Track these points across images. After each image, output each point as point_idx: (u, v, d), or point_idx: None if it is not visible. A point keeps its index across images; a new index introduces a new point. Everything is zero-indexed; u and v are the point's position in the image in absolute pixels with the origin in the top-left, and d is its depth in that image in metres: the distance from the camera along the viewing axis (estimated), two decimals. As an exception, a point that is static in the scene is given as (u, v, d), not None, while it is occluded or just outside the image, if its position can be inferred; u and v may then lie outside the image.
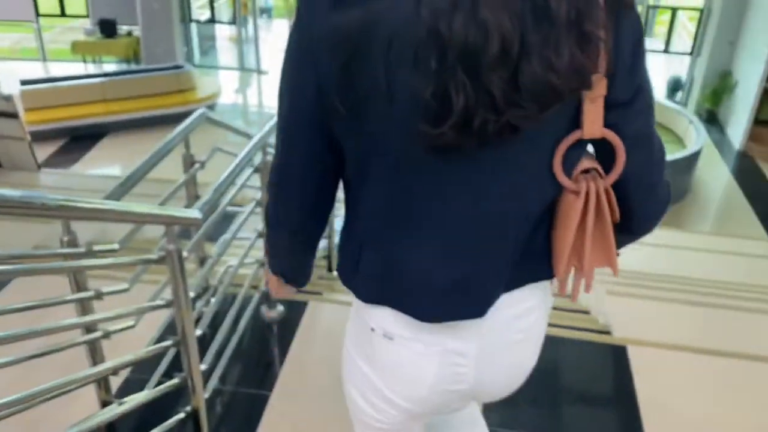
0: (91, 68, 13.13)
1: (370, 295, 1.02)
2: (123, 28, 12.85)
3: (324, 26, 0.83)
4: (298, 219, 1.03)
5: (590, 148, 0.97)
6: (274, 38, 15.40)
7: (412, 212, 0.92)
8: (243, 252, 2.91)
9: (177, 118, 10.83)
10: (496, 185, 0.89)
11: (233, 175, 2.45)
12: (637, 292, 3.13)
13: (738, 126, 10.58)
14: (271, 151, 2.51)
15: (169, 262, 1.84)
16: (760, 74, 9.84)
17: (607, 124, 0.89)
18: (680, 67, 14.51)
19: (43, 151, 9.47)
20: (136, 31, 12.65)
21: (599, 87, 0.84)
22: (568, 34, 0.76)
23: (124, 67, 12.72)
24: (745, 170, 9.82)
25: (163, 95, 10.60)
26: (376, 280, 1.00)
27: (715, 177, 9.60)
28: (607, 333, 2.72)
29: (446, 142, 0.79)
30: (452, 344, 0.99)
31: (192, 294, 2.02)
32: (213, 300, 2.71)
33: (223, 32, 15.56)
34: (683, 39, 13.86)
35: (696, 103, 11.74)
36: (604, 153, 0.93)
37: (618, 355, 2.65)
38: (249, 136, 2.98)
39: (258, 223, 2.97)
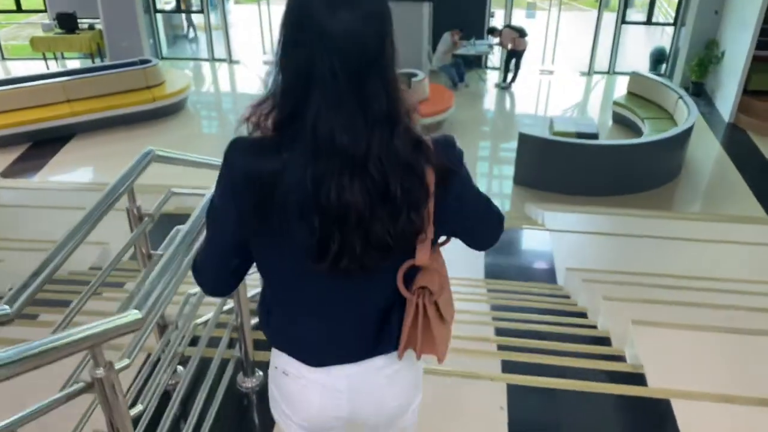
0: (54, 66, 12.50)
1: (274, 343, 1.43)
2: (84, 22, 12.21)
3: (244, 172, 1.15)
4: (213, 291, 1.41)
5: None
6: (246, 25, 14.83)
7: (300, 300, 1.32)
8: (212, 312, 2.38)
9: (147, 116, 10.59)
10: (359, 291, 1.28)
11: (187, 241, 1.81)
12: (662, 316, 2.82)
13: (727, 97, 10.32)
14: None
15: (98, 391, 1.37)
16: (748, 43, 9.56)
17: (449, 235, 1.32)
18: (662, 39, 14.25)
19: (4, 159, 8.95)
20: (98, 24, 12.03)
21: (429, 232, 1.20)
22: (402, 209, 1.13)
23: (87, 63, 12.11)
24: (736, 143, 9.58)
25: (131, 92, 10.07)
26: (277, 333, 1.41)
27: (707, 152, 9.34)
28: (641, 376, 2.35)
29: (323, 272, 1.17)
30: (328, 381, 1.38)
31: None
32: (178, 370, 2.31)
33: (192, 21, 14.97)
34: (664, 9, 13.53)
35: (682, 75, 11.46)
36: (433, 278, 1.30)
37: (662, 414, 2.22)
38: (210, 166, 2.51)
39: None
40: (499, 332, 2.93)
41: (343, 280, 1.22)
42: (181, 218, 2.24)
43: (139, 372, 2.11)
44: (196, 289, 2.31)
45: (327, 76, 1.07)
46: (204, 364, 2.27)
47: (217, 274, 1.33)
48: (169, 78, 10.86)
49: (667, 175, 8.42)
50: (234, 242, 1.25)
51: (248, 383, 2.44)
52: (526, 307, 3.49)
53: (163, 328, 2.13)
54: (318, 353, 1.37)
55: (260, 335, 2.44)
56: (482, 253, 4.81)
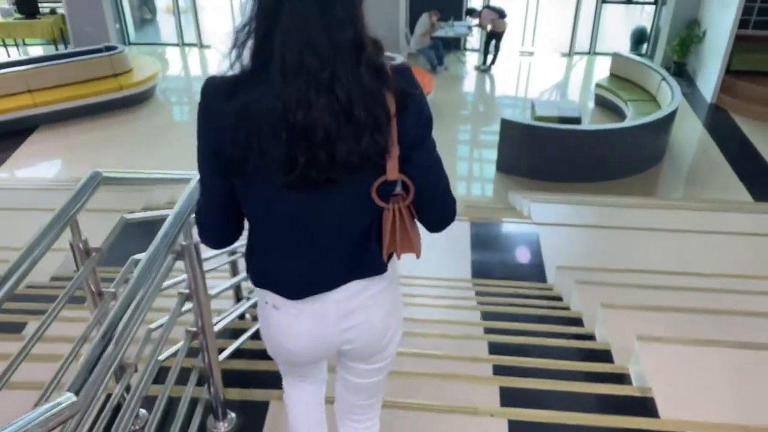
0: (14, 54, 11.96)
1: (257, 282, 1.51)
2: (46, 6, 11.67)
3: (218, 111, 1.27)
4: (215, 239, 1.49)
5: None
6: (216, 8, 14.33)
7: (277, 230, 1.40)
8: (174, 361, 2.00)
9: (114, 105, 10.15)
10: (333, 210, 1.35)
11: (141, 284, 1.54)
12: (666, 327, 2.62)
13: (709, 77, 10.18)
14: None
15: None
16: (730, 22, 9.41)
17: (404, 170, 1.35)
18: (642, 18, 14.07)
19: (-37, 154, 8.53)
20: (61, 8, 11.51)
21: (394, 150, 1.30)
22: (366, 129, 1.23)
23: (50, 51, 11.59)
24: (719, 124, 9.46)
25: (97, 81, 9.63)
26: (259, 272, 1.49)
27: (690, 134, 9.22)
28: (650, 401, 2.15)
29: (295, 184, 1.26)
30: (315, 309, 1.47)
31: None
32: (141, 414, 2.06)
33: (161, 3, 14.44)
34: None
35: (663, 55, 11.30)
36: (406, 186, 1.38)
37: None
38: (172, 181, 2.22)
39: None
40: (493, 349, 2.72)
41: (316, 203, 1.33)
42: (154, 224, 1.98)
43: (99, 416, 1.84)
44: (159, 322, 2.06)
45: (296, 3, 1.17)
46: (170, 405, 2.02)
47: (218, 220, 1.44)
48: (137, 65, 10.42)
49: (652, 159, 8.27)
50: (223, 182, 1.34)
51: (220, 428, 2.15)
52: (519, 315, 3.28)
53: (122, 369, 1.87)
54: (298, 286, 1.45)
55: (232, 369, 2.24)
56: (468, 250, 4.60)
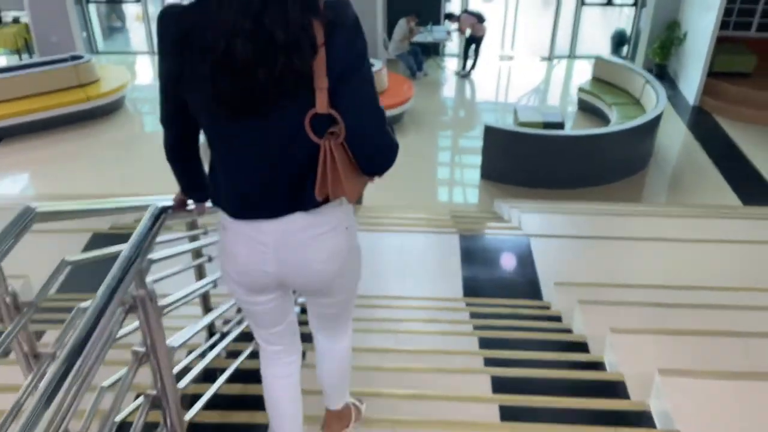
0: (-24, 64, 11.47)
1: (212, 198, 1.60)
2: (8, 15, 11.21)
3: (166, 35, 1.39)
4: (175, 150, 1.62)
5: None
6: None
7: (223, 151, 1.48)
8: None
9: (81, 117, 9.68)
10: (272, 139, 1.41)
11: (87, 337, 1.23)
12: (687, 358, 2.36)
13: (691, 80, 10.07)
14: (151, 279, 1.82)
15: None
16: (712, 23, 9.29)
17: (335, 105, 1.37)
18: (620, 21, 13.98)
19: None
20: (24, 17, 11.05)
21: (322, 81, 1.33)
22: (283, 51, 1.29)
23: (14, 61, 11.12)
24: (703, 127, 9.33)
25: (62, 92, 9.20)
26: (214, 189, 1.57)
27: (674, 137, 9.07)
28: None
29: (225, 109, 1.36)
30: (255, 235, 1.52)
31: None
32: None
33: (131, 11, 14.01)
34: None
35: (644, 57, 11.19)
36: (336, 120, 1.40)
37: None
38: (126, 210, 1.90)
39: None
40: (497, 385, 2.43)
41: (256, 130, 1.40)
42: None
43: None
44: (110, 380, 1.73)
45: None
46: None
47: (174, 140, 1.57)
48: (105, 75, 10.01)
49: (639, 164, 8.10)
50: (174, 99, 1.45)
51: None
52: (520, 341, 3.00)
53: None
54: (239, 206, 1.51)
55: (203, 423, 1.93)
56: (459, 265, 4.33)
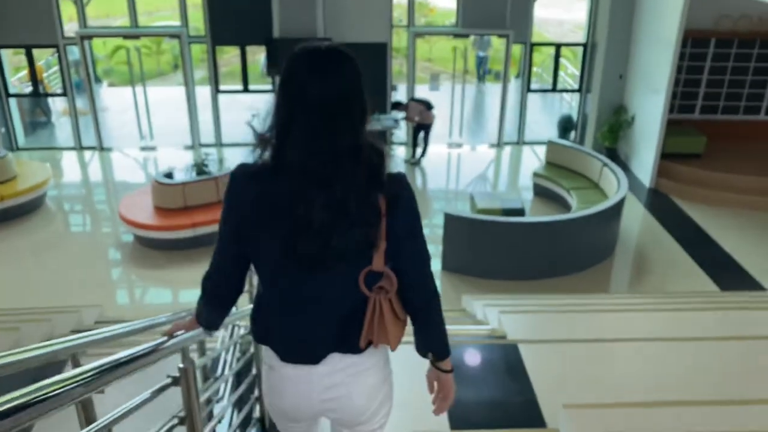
0: None
1: (257, 337, 1.77)
2: None
3: (241, 192, 1.54)
4: (218, 302, 1.75)
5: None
6: (123, 108, 13.26)
7: (280, 296, 1.62)
8: None
9: (-5, 218, 8.74)
10: (325, 290, 1.58)
11: None
12: None
13: (644, 162, 9.93)
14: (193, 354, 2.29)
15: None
16: (661, 106, 9.25)
17: (394, 261, 1.59)
18: (563, 107, 14.12)
19: None
20: (-65, 112, 10.13)
21: (382, 245, 1.53)
22: (357, 225, 1.48)
23: None
24: (663, 209, 9.07)
25: (-28, 191, 8.22)
26: (260, 329, 1.71)
27: (636, 221, 8.75)
28: None
29: (292, 264, 1.52)
30: (301, 376, 1.64)
31: None
32: None
33: (57, 105, 13.24)
34: (561, 77, 13.35)
35: (593, 141, 11.10)
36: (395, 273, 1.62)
37: None
38: None
39: None
40: None
41: (311, 282, 1.56)
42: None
43: None
44: None
45: (305, 118, 1.46)
46: None
47: (224, 286, 1.69)
48: (24, 171, 9.10)
49: (606, 250, 7.66)
50: (236, 250, 1.61)
51: None
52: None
53: None
54: (288, 349, 1.64)
55: None
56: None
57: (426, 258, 1.64)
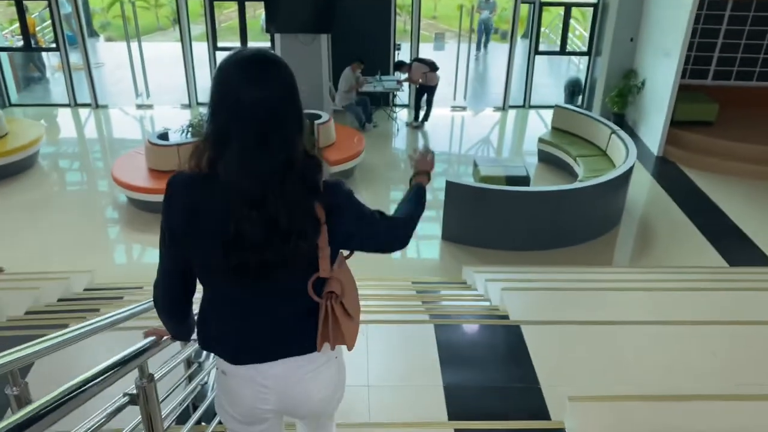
0: None
1: (202, 344, 1.70)
2: None
3: (176, 201, 1.49)
4: (167, 309, 1.68)
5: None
6: (116, 64, 12.89)
7: (223, 304, 1.61)
8: None
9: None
10: (272, 295, 1.57)
11: None
12: None
13: (653, 129, 9.64)
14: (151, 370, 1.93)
15: None
16: (673, 72, 8.92)
17: (348, 248, 1.66)
18: (570, 70, 13.75)
19: None
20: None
21: (324, 251, 1.52)
22: (290, 237, 1.45)
23: None
24: (670, 178, 8.84)
25: (-40, 149, 7.99)
26: (208, 337, 1.67)
27: (643, 190, 8.53)
28: None
29: (231, 276, 1.50)
30: (255, 377, 1.63)
31: None
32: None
33: (52, 60, 12.87)
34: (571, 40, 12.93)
35: (601, 106, 10.78)
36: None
37: None
38: None
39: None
40: None
41: (255, 288, 1.55)
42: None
43: None
44: None
45: (240, 133, 1.41)
46: None
47: (171, 293, 1.62)
48: (15, 129, 8.86)
49: (612, 221, 7.45)
50: (177, 257, 1.55)
51: None
52: None
53: None
54: (239, 352, 1.61)
55: None
56: (438, 372, 3.40)
57: (385, 227, 1.67)
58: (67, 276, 5.44)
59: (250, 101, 1.39)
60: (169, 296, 1.63)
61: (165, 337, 1.92)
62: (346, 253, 1.67)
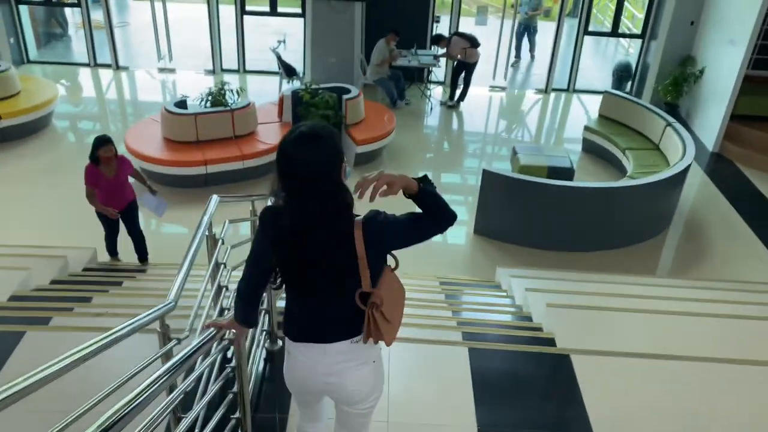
0: None
1: (285, 332, 2.16)
2: None
3: (268, 230, 2.00)
4: (249, 296, 2.17)
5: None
6: (142, 24, 12.37)
7: (299, 303, 2.09)
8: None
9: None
10: (331, 298, 2.02)
11: None
12: None
13: (709, 123, 8.87)
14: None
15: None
16: (739, 61, 8.12)
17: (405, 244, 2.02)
18: (619, 53, 12.89)
19: None
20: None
21: (366, 273, 1.94)
22: (338, 256, 1.93)
23: None
24: (727, 178, 8.09)
25: (-29, 106, 7.57)
26: (287, 325, 2.14)
27: (696, 191, 7.80)
28: None
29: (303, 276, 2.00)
30: (308, 362, 2.09)
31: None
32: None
33: (75, 17, 12.40)
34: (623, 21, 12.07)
35: (652, 95, 9.99)
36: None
37: None
38: None
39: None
40: None
41: (321, 293, 2.02)
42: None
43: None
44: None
45: (294, 188, 1.90)
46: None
47: (253, 289, 2.14)
48: (29, 88, 8.42)
49: (661, 224, 6.78)
50: (264, 266, 2.04)
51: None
52: None
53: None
54: (299, 332, 2.09)
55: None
56: (472, 409, 2.84)
57: (410, 227, 1.97)
58: (65, 254, 4.98)
59: (302, 161, 1.84)
60: (251, 290, 2.13)
61: (224, 331, 2.23)
62: (392, 262, 2.06)
